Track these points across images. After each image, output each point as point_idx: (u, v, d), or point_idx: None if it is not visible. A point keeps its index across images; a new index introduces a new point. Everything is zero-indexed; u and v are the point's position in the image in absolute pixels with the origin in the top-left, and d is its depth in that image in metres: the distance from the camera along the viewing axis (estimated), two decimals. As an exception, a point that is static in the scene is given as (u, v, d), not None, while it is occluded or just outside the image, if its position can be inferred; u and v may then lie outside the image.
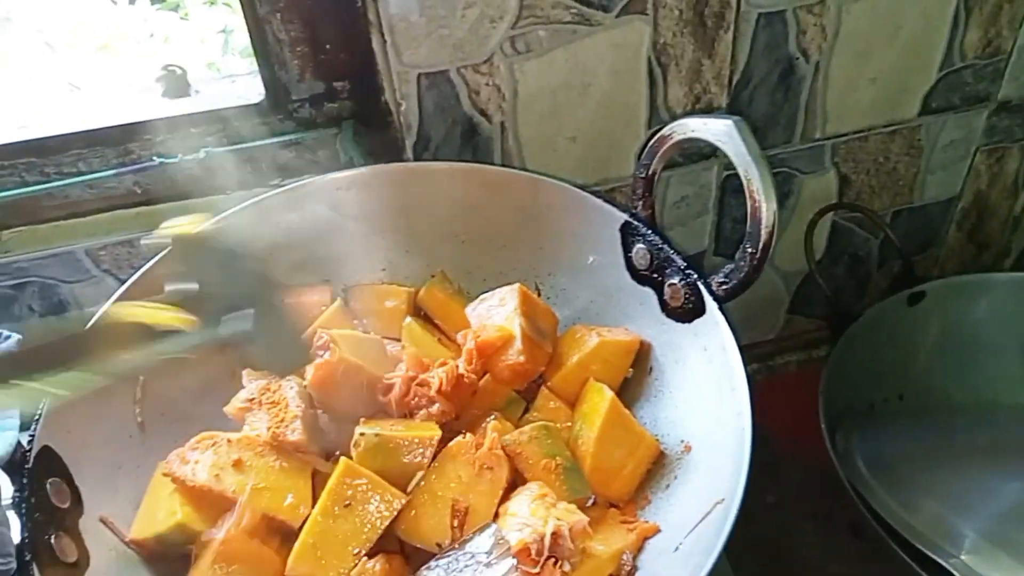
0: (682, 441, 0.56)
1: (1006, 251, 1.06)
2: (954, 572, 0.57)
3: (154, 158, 0.69)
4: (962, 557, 0.59)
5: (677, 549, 0.49)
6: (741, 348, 0.51)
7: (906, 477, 0.67)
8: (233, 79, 0.77)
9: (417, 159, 0.75)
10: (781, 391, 1.01)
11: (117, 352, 0.48)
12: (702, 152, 0.82)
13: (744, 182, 0.50)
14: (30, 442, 0.49)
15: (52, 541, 0.46)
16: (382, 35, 0.67)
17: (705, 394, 0.54)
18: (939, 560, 0.57)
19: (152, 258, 0.58)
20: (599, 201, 0.61)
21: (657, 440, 0.57)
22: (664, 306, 0.58)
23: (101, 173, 0.68)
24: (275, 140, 0.71)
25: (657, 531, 0.52)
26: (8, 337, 0.54)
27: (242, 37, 0.74)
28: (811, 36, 0.77)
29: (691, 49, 0.74)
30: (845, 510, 0.67)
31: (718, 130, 0.51)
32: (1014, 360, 0.84)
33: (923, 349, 0.86)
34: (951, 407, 0.83)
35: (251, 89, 0.71)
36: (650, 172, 0.58)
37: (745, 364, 0.50)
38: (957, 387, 0.84)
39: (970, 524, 0.61)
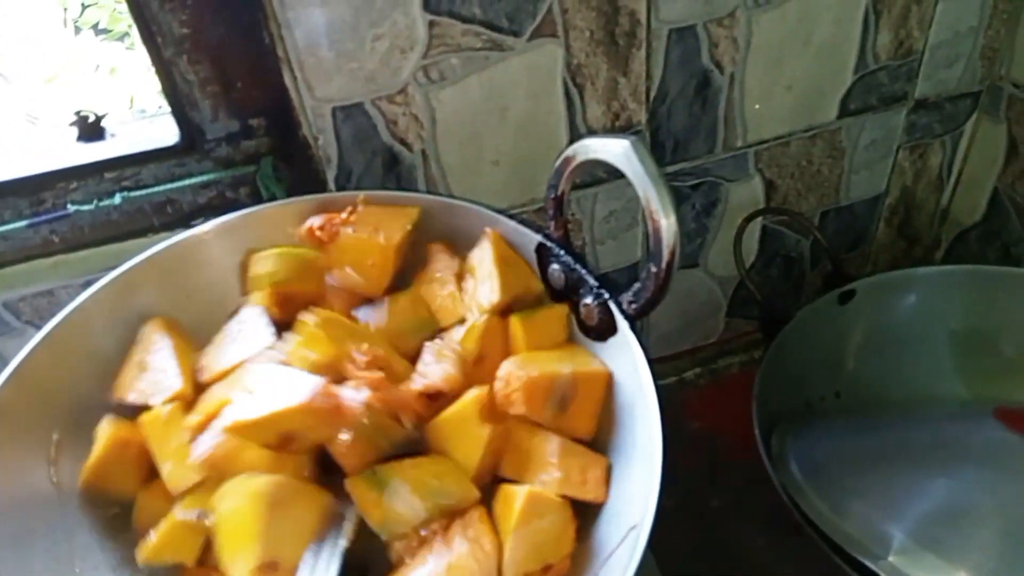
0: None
1: (936, 243, 1.08)
2: (881, 574, 0.57)
3: (68, 206, 0.68)
4: (890, 559, 0.59)
5: (593, 580, 0.49)
6: (652, 367, 0.51)
7: (837, 479, 0.68)
8: (152, 120, 0.76)
9: (340, 191, 0.74)
10: (724, 394, 1.03)
11: None
12: (625, 167, 0.82)
13: (643, 202, 0.50)
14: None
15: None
16: (292, 71, 0.67)
17: (622, 416, 0.54)
18: (867, 563, 0.58)
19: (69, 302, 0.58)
20: (513, 223, 0.61)
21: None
22: (581, 325, 0.58)
23: (14, 224, 0.67)
24: (193, 181, 0.71)
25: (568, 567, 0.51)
26: None
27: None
28: (723, 48, 0.78)
29: (605, 68, 0.75)
30: (788, 511, 0.68)
31: (616, 152, 0.51)
32: (943, 352, 0.86)
33: (856, 347, 0.87)
34: (885, 403, 0.84)
35: (169, 130, 0.71)
36: (559, 193, 0.58)
37: (657, 378, 0.50)
38: (890, 383, 0.85)
39: (898, 525, 0.62)
